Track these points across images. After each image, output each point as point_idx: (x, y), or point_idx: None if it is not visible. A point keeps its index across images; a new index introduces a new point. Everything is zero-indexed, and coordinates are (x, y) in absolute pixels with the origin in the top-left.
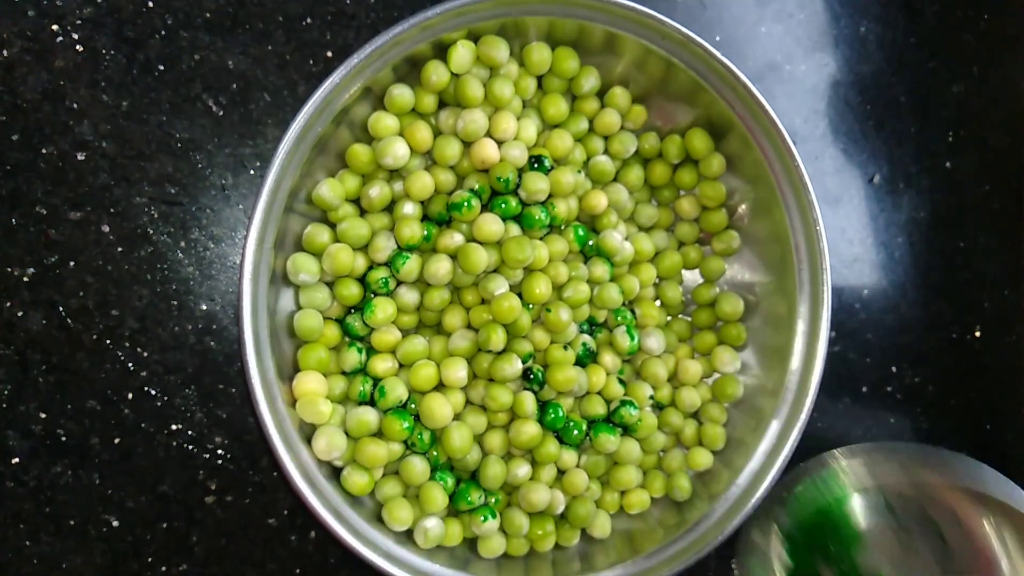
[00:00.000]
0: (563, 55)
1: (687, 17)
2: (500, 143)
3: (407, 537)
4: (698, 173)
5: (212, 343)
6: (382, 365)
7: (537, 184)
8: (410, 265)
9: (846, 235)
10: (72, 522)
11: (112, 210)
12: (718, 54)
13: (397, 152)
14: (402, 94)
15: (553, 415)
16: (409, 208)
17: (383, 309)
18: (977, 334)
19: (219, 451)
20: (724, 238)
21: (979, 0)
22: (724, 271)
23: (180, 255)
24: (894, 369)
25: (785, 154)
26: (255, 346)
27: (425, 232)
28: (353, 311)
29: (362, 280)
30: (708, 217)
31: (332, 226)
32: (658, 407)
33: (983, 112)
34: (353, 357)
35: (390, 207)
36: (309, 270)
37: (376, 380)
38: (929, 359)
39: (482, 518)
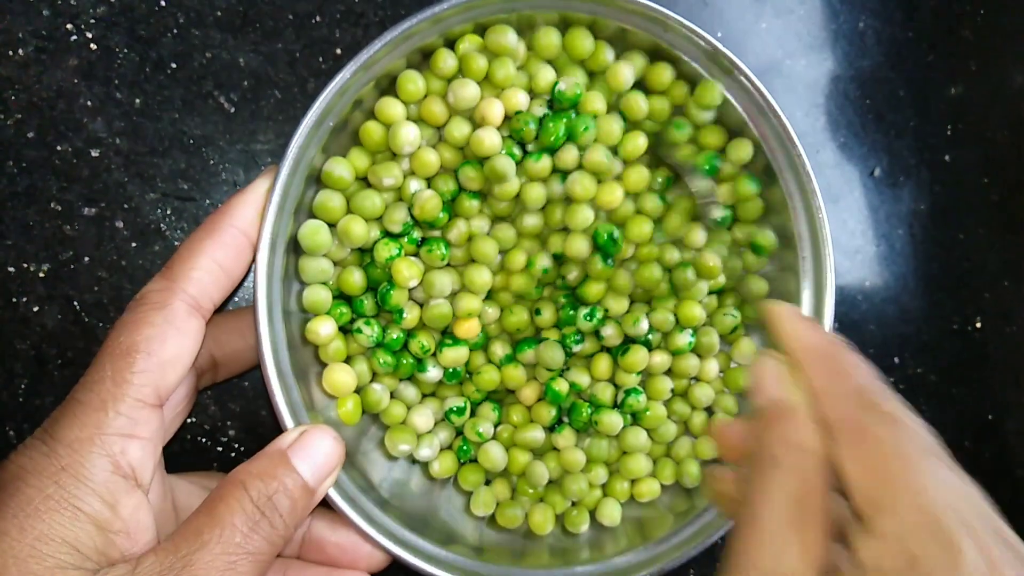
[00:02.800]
0: (576, 35)
1: (689, 14)
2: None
3: (417, 524)
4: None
5: None
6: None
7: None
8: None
9: (847, 227)
10: None
11: (126, 206)
12: (724, 49)
13: (409, 136)
14: (413, 77)
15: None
16: (415, 185)
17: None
18: (978, 325)
19: (234, 444)
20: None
21: None
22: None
23: None
24: (896, 360)
25: (789, 147)
26: (271, 340)
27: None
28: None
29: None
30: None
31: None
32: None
33: (981, 106)
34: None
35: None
36: (323, 240)
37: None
38: (931, 350)
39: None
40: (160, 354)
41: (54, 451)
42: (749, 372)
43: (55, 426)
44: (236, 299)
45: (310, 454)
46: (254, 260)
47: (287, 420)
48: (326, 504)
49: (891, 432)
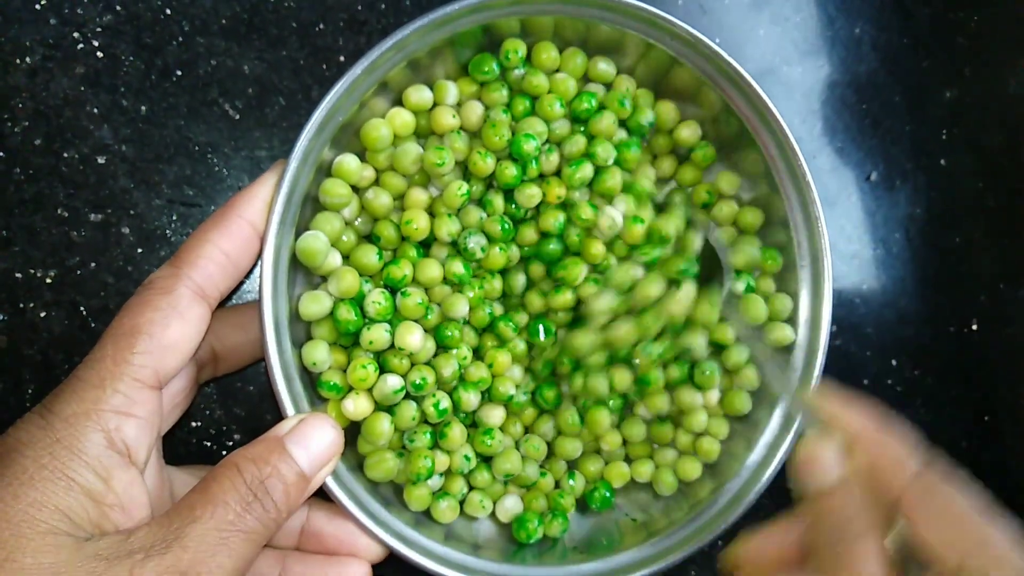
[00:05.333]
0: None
1: (687, 21)
2: None
3: (422, 519)
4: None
5: None
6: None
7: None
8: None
9: (845, 232)
10: None
11: (132, 212)
12: (725, 55)
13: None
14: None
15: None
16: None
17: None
18: (974, 327)
19: (238, 447)
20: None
21: (970, 3)
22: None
23: None
24: (894, 362)
25: (789, 153)
26: (276, 337)
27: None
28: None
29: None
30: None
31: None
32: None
33: (975, 111)
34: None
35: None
36: (340, 193)
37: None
38: (928, 352)
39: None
40: (162, 337)
41: (51, 424)
42: (799, 455)
43: (54, 401)
44: (237, 299)
45: (307, 442)
46: (261, 251)
47: (288, 408)
48: (325, 495)
49: (954, 487)
